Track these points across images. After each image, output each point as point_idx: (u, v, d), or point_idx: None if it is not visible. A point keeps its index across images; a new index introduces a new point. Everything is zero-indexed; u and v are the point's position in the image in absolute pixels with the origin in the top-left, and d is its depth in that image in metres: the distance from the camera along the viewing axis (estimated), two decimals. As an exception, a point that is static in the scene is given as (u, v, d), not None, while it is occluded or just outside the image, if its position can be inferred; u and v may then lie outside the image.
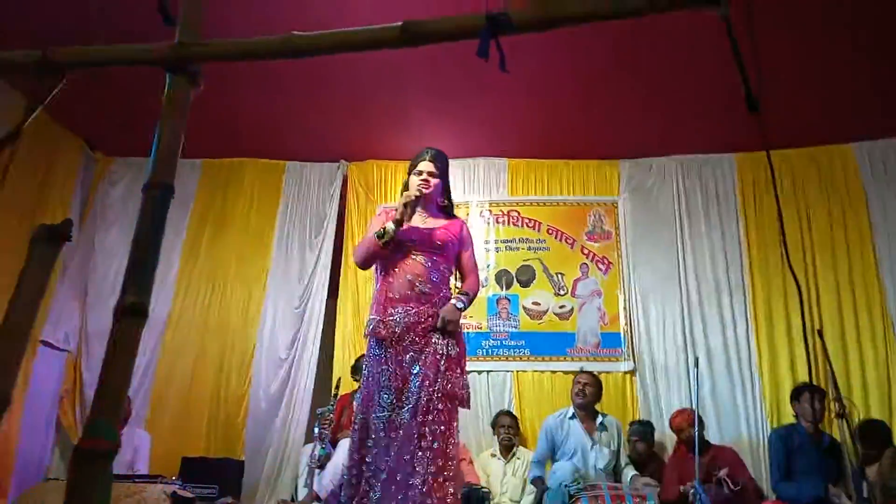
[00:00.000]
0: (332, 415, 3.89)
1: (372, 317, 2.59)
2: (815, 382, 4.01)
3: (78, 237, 5.10)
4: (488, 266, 5.00)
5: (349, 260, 5.13)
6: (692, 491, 3.48)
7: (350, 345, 4.88)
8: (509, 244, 5.11)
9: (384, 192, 5.26)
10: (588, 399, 4.08)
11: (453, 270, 2.74)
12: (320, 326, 4.97)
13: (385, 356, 2.52)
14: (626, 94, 4.47)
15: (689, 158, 5.13)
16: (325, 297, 5.05)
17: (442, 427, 2.38)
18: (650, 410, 4.53)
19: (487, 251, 5.04)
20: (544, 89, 4.48)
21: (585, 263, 5.01)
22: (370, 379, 2.55)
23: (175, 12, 1.42)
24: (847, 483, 3.29)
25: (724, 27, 1.25)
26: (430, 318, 2.53)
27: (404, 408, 2.43)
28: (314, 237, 5.20)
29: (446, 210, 2.80)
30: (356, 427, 2.54)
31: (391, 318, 2.53)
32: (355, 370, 4.46)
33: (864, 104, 4.41)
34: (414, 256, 2.61)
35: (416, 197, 2.61)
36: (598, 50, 3.96)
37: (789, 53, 3.81)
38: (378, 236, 2.56)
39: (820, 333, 4.05)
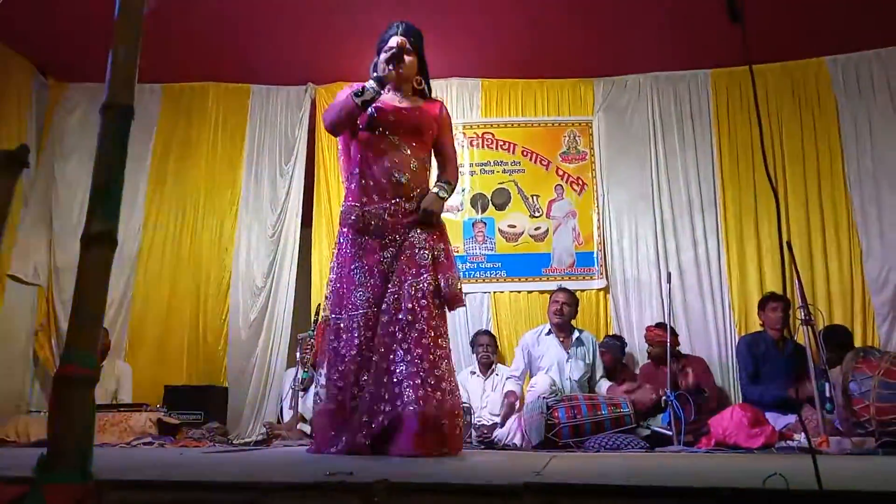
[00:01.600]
0: (312, 340, 3.93)
1: (349, 204, 2.36)
2: (783, 293, 4.14)
3: (37, 168, 4.92)
4: (463, 190, 4.96)
5: (322, 186, 5.05)
6: (664, 398, 3.63)
7: (327, 268, 4.85)
8: (484, 167, 5.06)
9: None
10: (565, 317, 4.18)
11: (431, 159, 2.50)
12: (296, 253, 4.93)
13: (362, 251, 2.30)
14: (601, 10, 4.35)
15: (664, 75, 5.07)
16: (300, 225, 5.00)
17: (425, 327, 2.16)
18: (623, 325, 4.67)
19: (462, 175, 4.99)
20: (518, 6, 4.33)
21: (560, 185, 5.00)
22: (343, 277, 2.31)
23: None
24: (810, 385, 3.46)
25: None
26: (412, 214, 2.32)
27: (382, 307, 2.22)
28: (285, 163, 5.09)
29: (423, 93, 2.50)
30: (330, 336, 2.30)
31: (368, 209, 2.31)
32: (333, 296, 4.48)
33: (838, 18, 4.35)
34: (391, 139, 2.34)
35: (393, 70, 2.30)
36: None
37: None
38: (356, 94, 2.27)
39: (789, 245, 4.15)
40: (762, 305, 4.09)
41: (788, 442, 3.28)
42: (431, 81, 2.56)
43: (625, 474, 1.46)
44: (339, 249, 2.39)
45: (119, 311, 4.73)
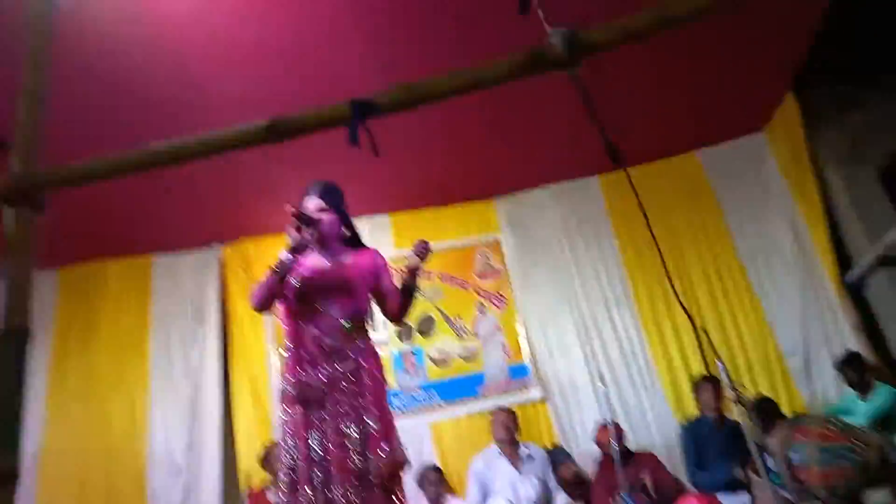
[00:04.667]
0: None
1: (286, 377, 2.26)
2: (708, 372, 4.28)
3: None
4: (386, 324, 4.93)
5: (238, 345, 4.87)
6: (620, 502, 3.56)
7: (254, 432, 4.58)
8: (404, 298, 5.08)
9: (264, 268, 5.07)
10: (510, 434, 4.09)
11: (370, 311, 2.41)
12: (218, 423, 4.62)
13: (308, 421, 2.16)
14: (493, 137, 4.66)
15: (558, 186, 5.38)
16: (220, 392, 4.73)
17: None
18: (566, 433, 4.61)
19: (383, 309, 4.98)
20: (417, 142, 4.56)
21: (481, 303, 5.09)
22: (295, 452, 2.15)
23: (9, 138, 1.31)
24: (754, 460, 3.50)
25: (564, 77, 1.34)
26: (348, 376, 2.21)
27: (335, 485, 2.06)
28: (196, 328, 4.89)
29: (353, 243, 2.49)
30: None
31: (305, 380, 2.21)
32: (265, 460, 4.20)
33: (700, 115, 4.85)
34: (319, 306, 2.28)
35: (306, 228, 2.26)
36: (463, 103, 4.08)
37: (626, 87, 4.13)
38: (274, 270, 2.24)
39: (704, 331, 4.35)
40: (696, 389, 4.20)
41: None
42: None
43: None
44: (285, 423, 2.25)
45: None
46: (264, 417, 4.65)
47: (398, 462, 2.18)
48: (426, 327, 4.99)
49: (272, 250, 5.04)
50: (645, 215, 2.12)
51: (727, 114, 4.92)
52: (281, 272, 2.25)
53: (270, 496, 4.08)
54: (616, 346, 4.85)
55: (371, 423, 2.17)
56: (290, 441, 2.19)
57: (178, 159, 1.35)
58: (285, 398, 2.26)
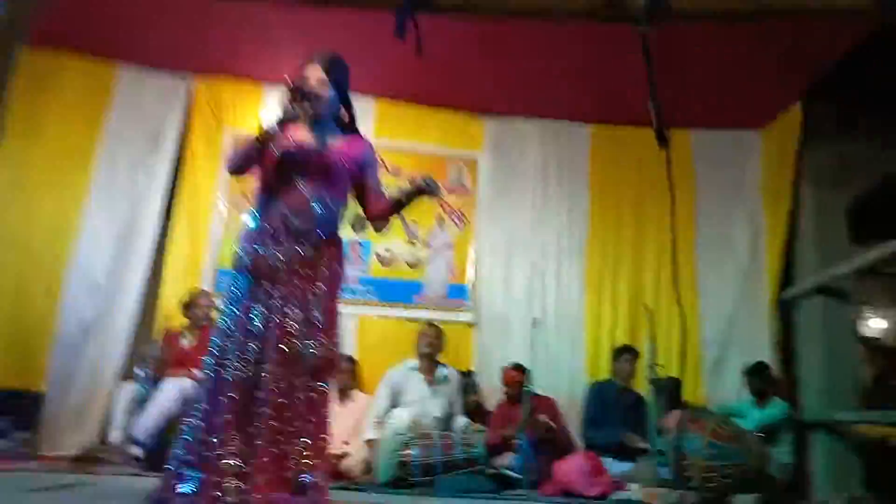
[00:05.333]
0: (156, 354, 3.66)
1: (244, 245, 2.18)
2: (631, 345, 4.45)
3: None
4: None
5: (187, 186, 4.71)
6: (515, 435, 3.77)
7: (182, 277, 4.52)
8: (367, 188, 4.98)
9: (237, 116, 4.83)
10: (433, 351, 4.18)
11: (346, 204, 2.29)
12: (148, 255, 4.53)
13: (255, 294, 2.10)
14: (500, 52, 4.43)
15: (551, 123, 5.24)
16: (158, 225, 4.60)
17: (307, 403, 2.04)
18: (485, 361, 4.75)
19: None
20: (422, 32, 4.29)
21: (441, 216, 5.04)
22: (233, 320, 2.11)
23: None
24: (647, 433, 3.74)
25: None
26: (303, 261, 2.13)
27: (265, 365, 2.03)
28: (148, 155, 4.67)
29: (348, 127, 2.35)
30: (209, 373, 2.07)
31: (261, 251, 2.13)
32: (187, 306, 4.18)
33: (706, 96, 4.75)
34: (296, 182, 2.17)
35: (296, 109, 2.12)
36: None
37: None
38: (256, 139, 2.12)
39: (645, 306, 4.46)
40: (617, 356, 4.37)
41: (622, 492, 3.51)
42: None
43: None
44: (229, 287, 2.19)
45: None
46: (196, 264, 4.60)
47: (332, 358, 2.14)
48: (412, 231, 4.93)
49: (248, 99, 4.88)
50: (670, 181, 2.02)
51: (732, 103, 4.84)
52: (263, 141, 2.13)
53: (184, 341, 4.09)
54: (555, 292, 4.95)
55: (316, 313, 2.12)
56: (231, 308, 2.14)
57: None
58: (237, 266, 2.19)
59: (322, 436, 2.09)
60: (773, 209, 4.89)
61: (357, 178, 2.31)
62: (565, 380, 4.72)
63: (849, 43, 3.94)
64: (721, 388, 4.66)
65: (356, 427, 4.10)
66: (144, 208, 4.58)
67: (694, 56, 4.09)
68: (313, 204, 2.18)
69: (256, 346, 2.06)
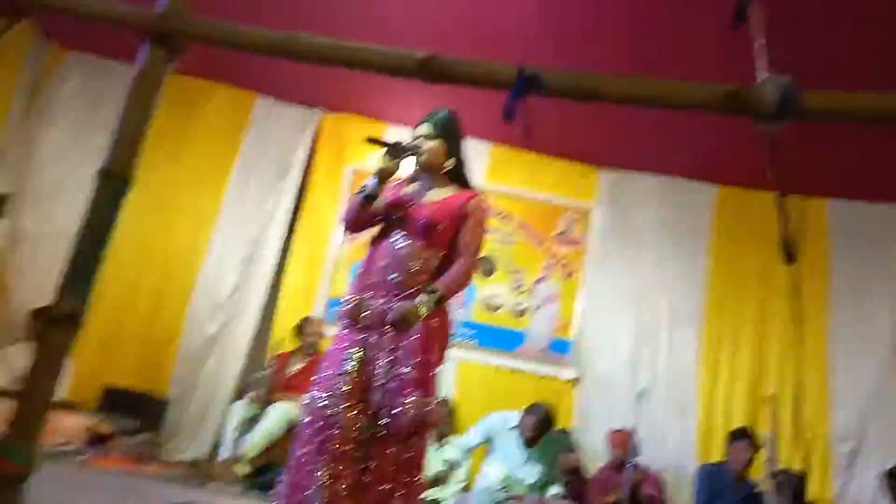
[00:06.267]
0: (267, 378, 3.76)
1: (349, 294, 2.22)
2: (750, 431, 4.07)
3: (21, 130, 4.65)
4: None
5: (308, 216, 4.88)
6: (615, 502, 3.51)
7: (297, 302, 4.67)
8: (478, 231, 4.96)
9: (358, 153, 4.98)
10: (535, 435, 3.96)
11: (446, 258, 2.20)
12: (268, 279, 4.73)
13: (353, 340, 2.13)
14: (619, 108, 4.30)
15: (672, 181, 5.03)
16: (279, 250, 4.79)
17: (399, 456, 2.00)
18: (585, 422, 4.53)
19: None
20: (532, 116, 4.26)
21: (549, 266, 4.92)
22: (331, 357, 2.16)
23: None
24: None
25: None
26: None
27: (353, 411, 2.02)
28: (276, 182, 4.91)
29: (459, 180, 2.30)
30: (308, 417, 2.09)
31: (361, 300, 2.15)
32: (298, 332, 4.29)
33: (844, 164, 4.38)
34: (395, 236, 2.19)
35: (390, 163, 2.16)
36: (605, 55, 3.77)
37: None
38: (359, 191, 2.20)
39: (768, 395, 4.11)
40: (734, 439, 3.99)
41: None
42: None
43: None
44: (339, 330, 2.23)
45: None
46: (310, 292, 4.73)
47: (422, 417, 2.04)
48: (489, 267, 4.87)
49: (365, 133, 5.00)
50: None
51: (872, 172, 4.43)
52: (363, 195, 2.19)
53: (293, 366, 4.18)
54: (666, 360, 4.66)
55: (405, 368, 2.06)
56: (332, 349, 2.19)
57: (321, 59, 1.21)
58: (340, 312, 2.24)
59: (413, 497, 2.03)
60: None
61: (453, 234, 2.23)
62: (673, 456, 4.41)
63: None
64: (854, 488, 4.17)
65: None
66: (268, 233, 4.79)
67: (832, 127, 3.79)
68: (407, 257, 2.17)
69: (342, 389, 2.06)
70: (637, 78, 1.14)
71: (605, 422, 4.41)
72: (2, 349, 4.14)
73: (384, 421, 2.01)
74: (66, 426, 3.49)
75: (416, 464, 2.06)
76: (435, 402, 2.09)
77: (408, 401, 2.02)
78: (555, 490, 3.89)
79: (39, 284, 4.09)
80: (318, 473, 1.96)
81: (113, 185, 0.98)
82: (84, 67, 4.85)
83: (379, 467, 1.99)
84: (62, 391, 3.95)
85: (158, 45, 1.11)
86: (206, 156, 4.89)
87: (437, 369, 2.14)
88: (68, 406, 3.73)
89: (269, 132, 4.99)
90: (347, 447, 1.98)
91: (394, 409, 2.01)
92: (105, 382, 4.22)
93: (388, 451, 2.01)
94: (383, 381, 2.05)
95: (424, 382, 2.07)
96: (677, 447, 4.44)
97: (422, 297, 2.04)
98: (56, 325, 0.89)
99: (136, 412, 4.00)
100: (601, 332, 4.77)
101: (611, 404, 4.53)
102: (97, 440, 3.62)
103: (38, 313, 3.75)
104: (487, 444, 4.01)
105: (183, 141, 4.86)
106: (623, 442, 3.90)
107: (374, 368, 2.08)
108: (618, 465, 3.88)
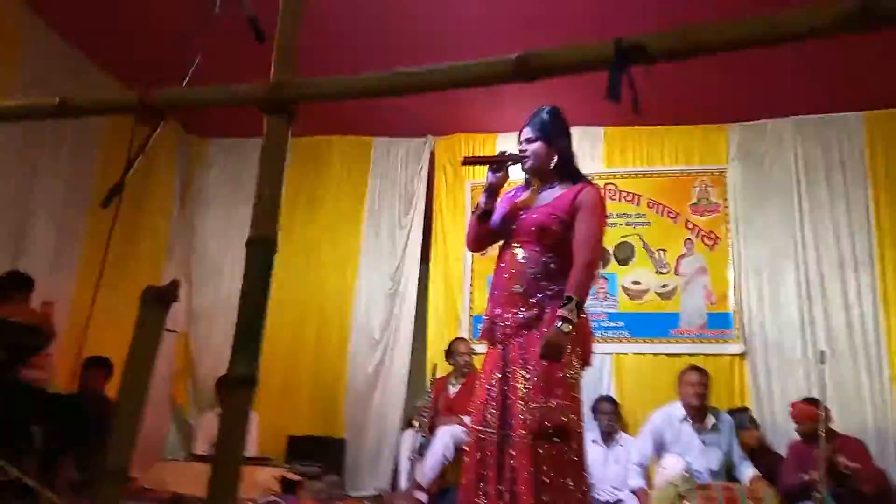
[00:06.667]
0: (429, 403, 3.91)
1: (484, 315, 2.30)
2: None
3: (180, 220, 5.32)
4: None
5: (438, 239, 5.06)
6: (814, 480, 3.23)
7: (443, 326, 4.86)
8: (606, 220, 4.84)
9: (472, 168, 5.08)
10: (701, 402, 3.76)
11: (564, 259, 2.12)
12: (413, 308, 4.96)
13: (493, 358, 2.18)
14: (737, 57, 4.02)
15: (808, 119, 4.62)
16: (417, 279, 5.02)
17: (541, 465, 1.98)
18: (761, 397, 4.24)
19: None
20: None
21: (690, 239, 4.68)
22: (481, 380, 2.23)
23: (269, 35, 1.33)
24: None
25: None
26: (521, 324, 2.12)
27: (504, 432, 2.07)
28: (404, 216, 5.15)
29: (569, 174, 2.25)
30: (467, 446, 2.20)
31: (495, 319, 2.19)
32: (449, 353, 4.43)
33: None
34: (514, 247, 2.20)
35: (495, 178, 2.22)
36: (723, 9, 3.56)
37: None
38: (473, 211, 2.30)
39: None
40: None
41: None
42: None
43: None
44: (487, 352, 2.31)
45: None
46: (453, 312, 4.89)
47: (550, 421, 2.00)
48: (625, 254, 4.75)
49: (481, 149, 5.11)
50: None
51: None
52: (477, 214, 2.27)
53: (451, 388, 4.32)
54: (843, 313, 4.26)
55: (529, 374, 2.07)
56: (482, 369, 2.27)
57: (422, 87, 1.27)
58: (481, 331, 2.32)
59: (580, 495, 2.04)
60: None
61: (570, 228, 2.17)
62: (868, 415, 4.01)
63: None
64: None
65: (625, 472, 3.91)
66: (405, 265, 5.03)
67: None
68: (527, 265, 2.16)
69: (494, 411, 2.10)
70: (744, 18, 1.07)
71: (783, 394, 4.13)
72: (197, 417, 4.75)
73: (521, 432, 2.03)
74: (260, 479, 3.79)
75: (573, 464, 2.04)
76: (569, 405, 2.05)
77: (539, 404, 2.03)
78: (747, 472, 3.66)
79: (219, 354, 4.61)
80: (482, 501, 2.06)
81: (260, 251, 1.13)
82: (223, 150, 5.44)
83: (527, 475, 1.99)
84: (252, 447, 4.41)
85: (275, 114, 1.25)
86: (338, 204, 5.25)
87: (577, 372, 2.11)
88: (260, 461, 4.07)
89: (390, 169, 5.26)
90: (503, 468, 2.05)
91: (529, 417, 2.03)
92: (288, 433, 4.65)
93: (534, 458, 2.00)
94: (522, 393, 2.08)
95: (559, 386, 2.05)
96: (873, 408, 4.03)
97: (560, 313, 1.98)
98: (234, 389, 1.04)
99: (318, 456, 4.30)
100: (762, 296, 4.45)
101: (787, 373, 4.22)
102: (289, 488, 3.91)
103: (221, 381, 4.16)
104: (662, 445, 3.82)
105: (316, 195, 5.27)
106: (809, 413, 3.58)
107: (515, 382, 2.11)
108: (809, 439, 3.58)
